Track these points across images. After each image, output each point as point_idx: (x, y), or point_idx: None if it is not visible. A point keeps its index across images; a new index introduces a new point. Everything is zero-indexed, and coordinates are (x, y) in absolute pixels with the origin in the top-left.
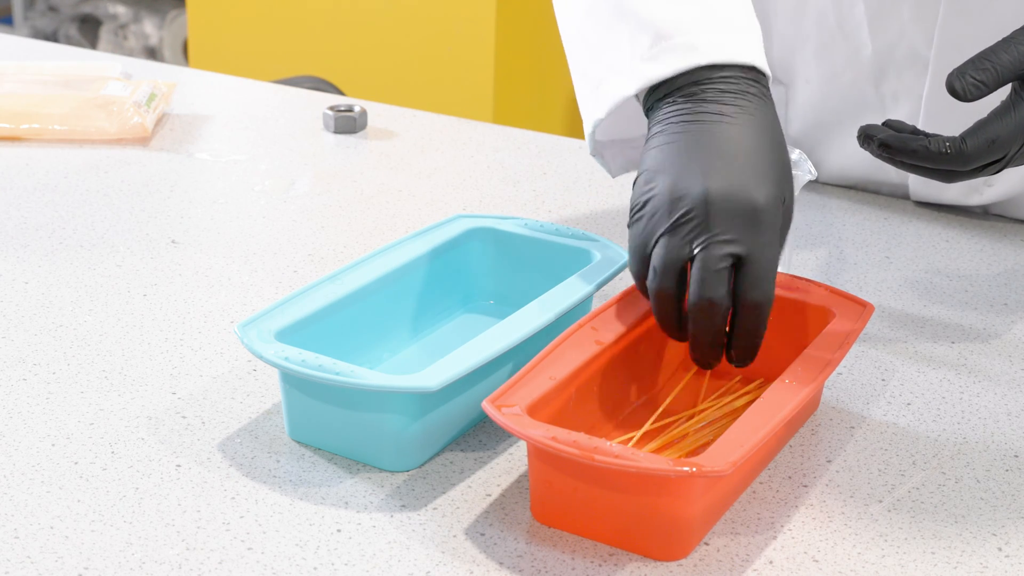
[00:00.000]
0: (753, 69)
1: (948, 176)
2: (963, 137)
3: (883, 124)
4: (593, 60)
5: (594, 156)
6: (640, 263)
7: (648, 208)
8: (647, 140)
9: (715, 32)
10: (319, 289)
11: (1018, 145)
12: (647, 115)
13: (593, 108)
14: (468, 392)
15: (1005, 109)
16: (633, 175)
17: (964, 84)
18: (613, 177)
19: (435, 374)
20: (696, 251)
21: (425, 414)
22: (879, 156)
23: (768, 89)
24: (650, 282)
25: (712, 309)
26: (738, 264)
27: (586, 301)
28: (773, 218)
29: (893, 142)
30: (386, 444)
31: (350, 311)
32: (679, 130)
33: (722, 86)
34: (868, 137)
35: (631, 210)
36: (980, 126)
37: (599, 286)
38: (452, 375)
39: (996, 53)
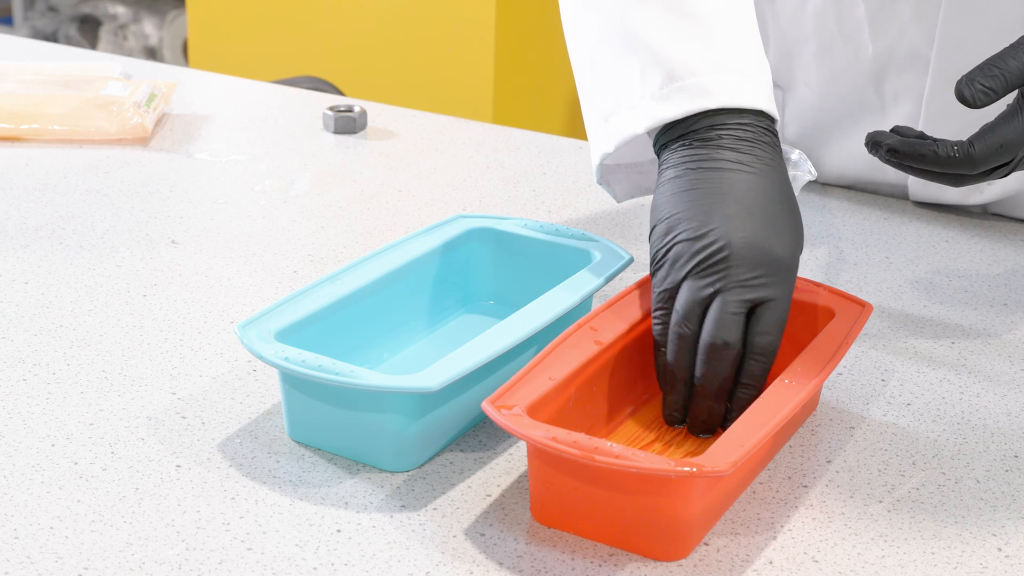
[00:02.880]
0: (765, 115)
1: (956, 180)
2: (971, 141)
3: (891, 131)
4: (603, 90)
5: (600, 184)
6: (664, 310)
7: (672, 254)
8: (660, 183)
9: (727, 74)
10: (319, 289)
11: None
12: (658, 154)
13: (602, 141)
14: (468, 392)
15: (1012, 113)
16: (637, 200)
17: (973, 91)
18: (618, 203)
19: (435, 374)
20: (716, 294)
21: (425, 414)
22: (887, 162)
23: (777, 136)
24: (672, 326)
25: (725, 351)
26: (752, 311)
27: (586, 301)
28: (791, 270)
29: (901, 147)
30: (386, 444)
31: (350, 311)
32: (698, 177)
33: (739, 133)
34: (876, 144)
35: (653, 257)
36: (988, 130)
37: (599, 286)
38: (452, 375)
39: (1004, 59)
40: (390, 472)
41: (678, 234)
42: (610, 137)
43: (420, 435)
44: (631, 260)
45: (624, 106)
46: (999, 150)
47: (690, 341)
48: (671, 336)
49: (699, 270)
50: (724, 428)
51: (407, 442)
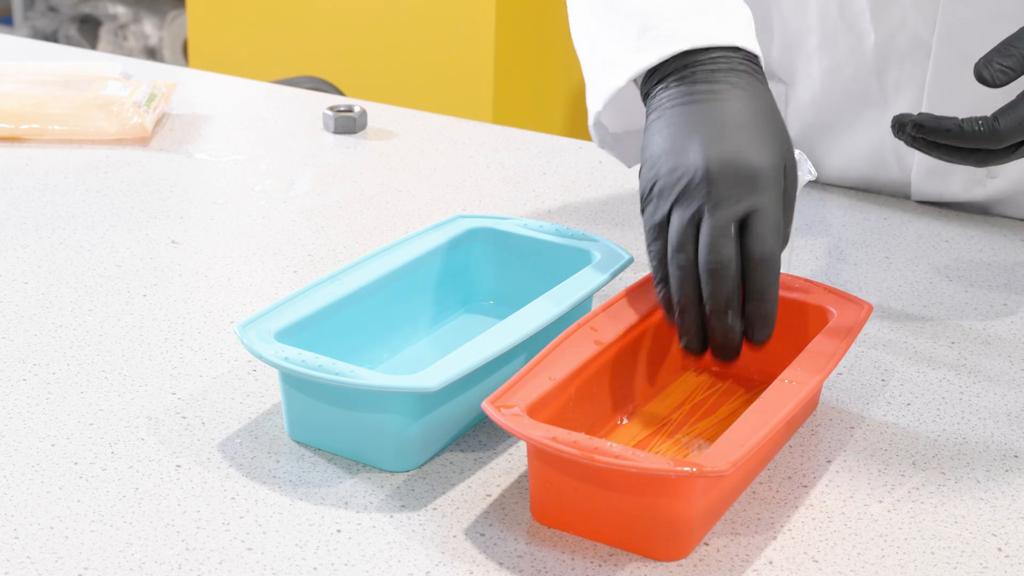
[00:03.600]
0: (740, 50)
1: (982, 158)
2: (996, 116)
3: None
4: (592, 55)
5: (602, 148)
6: (658, 243)
7: (656, 189)
8: (646, 127)
9: (699, 17)
10: (319, 289)
11: None
12: (645, 104)
13: (593, 101)
14: (468, 392)
15: None
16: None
17: (992, 71)
18: (629, 167)
19: (435, 374)
20: (703, 216)
21: (425, 414)
22: (913, 141)
23: (760, 68)
24: (670, 257)
25: (723, 269)
26: (743, 225)
27: (586, 301)
28: (772, 179)
29: (927, 121)
30: (386, 444)
31: (350, 311)
32: (674, 113)
33: (711, 67)
34: (901, 125)
35: (641, 196)
36: (1012, 105)
37: (599, 286)
38: (452, 375)
39: (1020, 39)
40: (390, 472)
41: (659, 168)
42: (597, 96)
43: (420, 435)
44: (631, 260)
45: (608, 64)
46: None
47: (689, 267)
48: (671, 266)
49: (683, 196)
50: (755, 341)
51: (407, 442)
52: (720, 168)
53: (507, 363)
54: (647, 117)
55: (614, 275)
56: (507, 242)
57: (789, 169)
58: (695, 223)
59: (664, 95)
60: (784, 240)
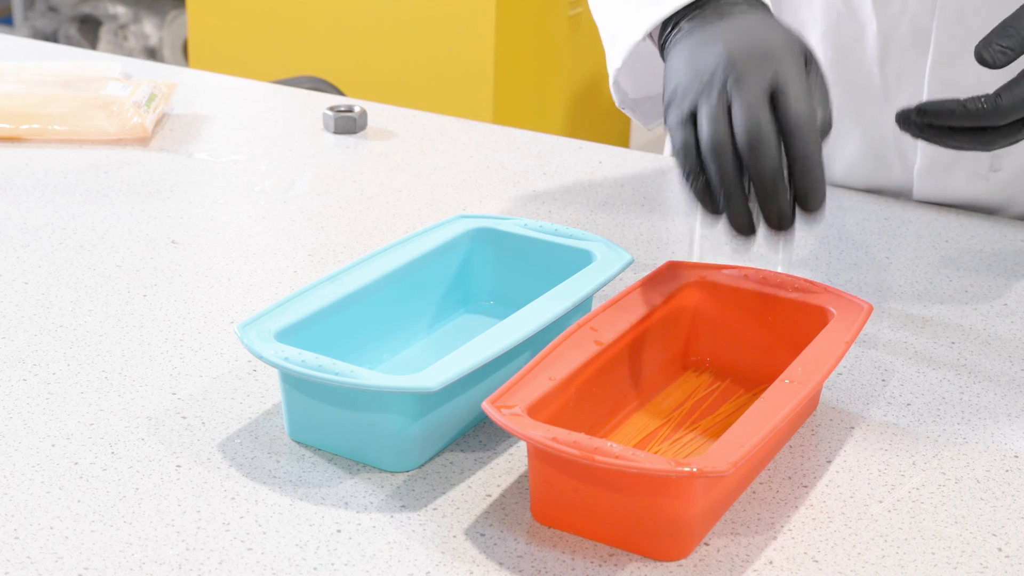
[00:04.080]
0: None
1: (988, 140)
2: (998, 92)
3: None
4: (608, 18)
5: (622, 109)
6: (684, 135)
7: (679, 91)
8: (666, 60)
9: None
10: (319, 289)
11: None
12: (663, 55)
13: (612, 60)
14: (468, 392)
15: None
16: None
17: (992, 52)
18: (648, 128)
19: (435, 374)
20: (731, 92)
21: (425, 414)
22: (919, 131)
23: (768, 8)
24: (706, 144)
25: (763, 135)
26: (773, 99)
27: (586, 301)
28: (793, 53)
29: (930, 107)
30: (386, 444)
31: (350, 311)
32: (691, 37)
33: (723, 6)
34: (905, 116)
35: (666, 108)
36: (1015, 82)
37: (599, 286)
38: (452, 375)
39: (1019, 19)
40: (390, 472)
41: (680, 76)
42: (617, 53)
43: (420, 435)
44: (631, 260)
45: (624, 23)
46: None
47: (727, 149)
48: (707, 154)
49: (707, 87)
50: (809, 210)
51: (407, 442)
52: (742, 52)
53: (507, 363)
54: (665, 60)
55: (614, 275)
56: (507, 242)
57: (811, 57)
58: (724, 106)
59: (678, 35)
60: (825, 126)
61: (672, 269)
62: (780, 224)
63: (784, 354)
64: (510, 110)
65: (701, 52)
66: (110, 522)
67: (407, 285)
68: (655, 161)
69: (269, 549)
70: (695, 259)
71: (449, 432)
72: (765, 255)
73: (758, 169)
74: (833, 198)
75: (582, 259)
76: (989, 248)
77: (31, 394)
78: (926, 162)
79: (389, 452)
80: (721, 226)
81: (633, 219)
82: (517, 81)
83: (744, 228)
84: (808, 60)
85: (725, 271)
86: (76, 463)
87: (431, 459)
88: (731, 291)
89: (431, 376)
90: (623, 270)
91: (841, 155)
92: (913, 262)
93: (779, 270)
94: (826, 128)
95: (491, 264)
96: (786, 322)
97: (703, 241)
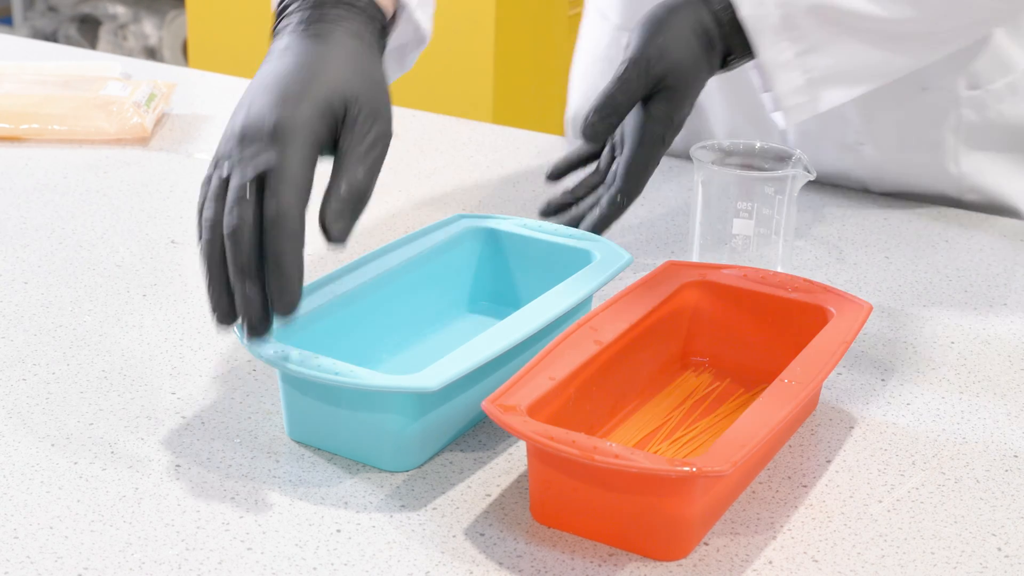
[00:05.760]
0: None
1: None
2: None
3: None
4: None
5: None
6: (215, 206)
7: (221, 149)
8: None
9: None
10: (319, 289)
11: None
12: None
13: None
14: (468, 392)
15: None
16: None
17: (595, 132)
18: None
19: (435, 374)
20: (231, 178)
21: (425, 414)
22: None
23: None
24: (203, 221)
25: (237, 232)
26: (263, 187)
27: (586, 301)
28: (298, 133)
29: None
30: (386, 444)
31: (350, 311)
32: (271, 60)
33: (327, 11)
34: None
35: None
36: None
37: (599, 286)
38: (452, 375)
39: (612, 96)
40: (390, 472)
41: (230, 129)
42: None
43: (420, 435)
44: (631, 260)
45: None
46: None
47: (218, 228)
48: (204, 229)
49: (224, 156)
50: (279, 312)
51: (407, 442)
52: (245, 127)
53: (507, 363)
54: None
55: (614, 275)
56: (507, 242)
57: (363, 117)
58: (225, 186)
59: (281, 30)
60: (349, 206)
61: (672, 269)
62: (249, 324)
63: (784, 354)
64: (510, 110)
65: (254, 100)
66: (110, 522)
67: (407, 285)
68: None
69: (269, 549)
70: (695, 259)
71: (449, 432)
72: (765, 255)
73: (232, 262)
74: (833, 198)
75: (582, 259)
76: (989, 248)
77: (31, 394)
78: (797, 134)
79: (389, 452)
80: None
81: (633, 219)
82: (517, 81)
83: (219, 316)
84: (355, 122)
85: (725, 271)
86: (76, 463)
87: (431, 459)
88: (731, 291)
89: (431, 376)
90: (622, 270)
91: (837, 154)
92: (913, 262)
93: (779, 270)
94: (363, 200)
95: (491, 264)
96: (786, 322)
97: (703, 241)
